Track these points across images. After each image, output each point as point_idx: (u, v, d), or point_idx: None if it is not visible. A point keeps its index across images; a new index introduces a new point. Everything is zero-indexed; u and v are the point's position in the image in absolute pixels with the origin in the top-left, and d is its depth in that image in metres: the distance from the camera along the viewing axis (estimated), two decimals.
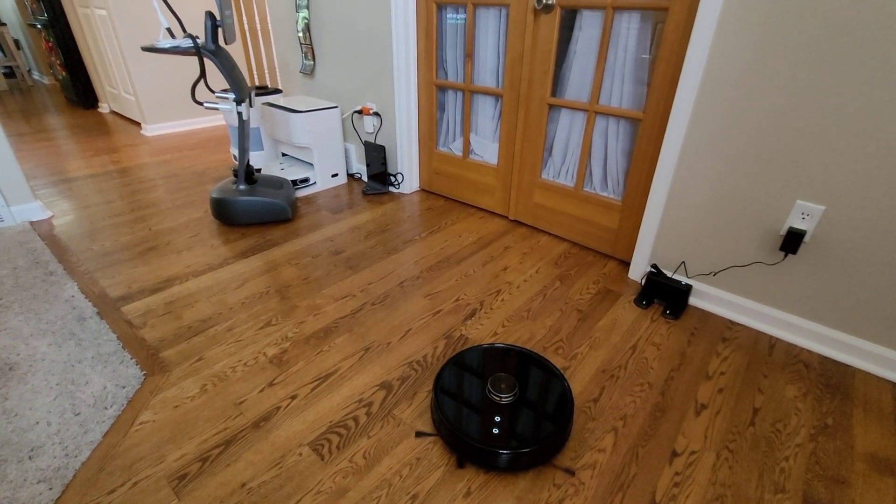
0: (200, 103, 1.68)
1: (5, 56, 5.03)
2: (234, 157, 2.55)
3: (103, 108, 3.91)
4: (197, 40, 1.55)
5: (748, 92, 1.18)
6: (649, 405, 1.09)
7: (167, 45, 1.55)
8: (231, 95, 1.81)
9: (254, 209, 1.89)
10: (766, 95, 1.16)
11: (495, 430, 0.94)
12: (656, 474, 0.93)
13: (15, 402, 1.05)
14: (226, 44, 1.66)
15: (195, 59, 3.42)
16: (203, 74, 1.58)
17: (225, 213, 1.89)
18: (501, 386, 1.03)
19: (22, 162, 2.61)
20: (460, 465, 0.95)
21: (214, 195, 1.88)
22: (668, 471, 0.94)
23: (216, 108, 1.74)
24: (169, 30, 1.58)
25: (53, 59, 3.92)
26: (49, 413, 1.03)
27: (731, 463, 0.96)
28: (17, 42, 5.14)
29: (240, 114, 1.75)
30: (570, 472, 0.93)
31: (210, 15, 1.55)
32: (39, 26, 3.81)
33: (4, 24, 4.84)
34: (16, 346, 1.22)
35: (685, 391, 1.14)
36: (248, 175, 1.91)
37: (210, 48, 1.60)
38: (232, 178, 1.97)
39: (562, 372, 1.08)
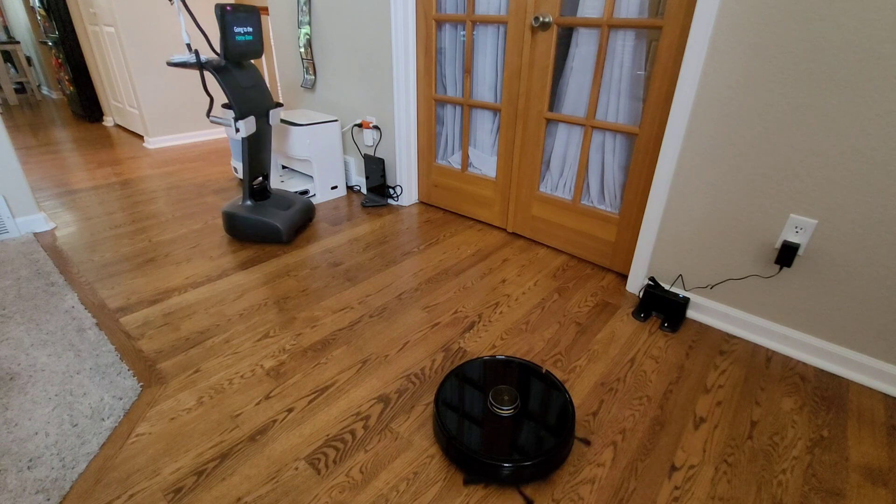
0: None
1: (17, 72, 5.13)
2: (235, 169, 2.58)
3: (108, 121, 3.96)
4: (199, 55, 1.60)
5: (740, 109, 1.20)
6: (648, 419, 1.09)
7: (176, 61, 1.63)
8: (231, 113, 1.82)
9: (252, 227, 1.87)
10: (758, 113, 1.18)
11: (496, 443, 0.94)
12: (655, 489, 0.93)
13: (15, 412, 1.06)
14: (227, 59, 1.64)
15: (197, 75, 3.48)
16: (204, 86, 1.64)
17: (230, 227, 1.91)
18: (504, 398, 1.03)
19: (28, 174, 2.64)
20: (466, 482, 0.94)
21: (225, 209, 1.91)
22: (668, 485, 0.93)
23: (220, 123, 1.77)
24: (188, 45, 1.64)
25: (62, 74, 4.00)
26: (47, 424, 1.03)
27: (729, 477, 0.95)
28: (28, 59, 5.25)
29: (238, 131, 1.72)
30: (586, 443, 0.98)
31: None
32: (50, 43, 3.90)
33: (18, 42, 4.96)
34: (17, 357, 1.23)
35: (684, 404, 1.13)
36: (261, 192, 1.92)
37: (220, 64, 1.64)
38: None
39: (563, 384, 1.09)
